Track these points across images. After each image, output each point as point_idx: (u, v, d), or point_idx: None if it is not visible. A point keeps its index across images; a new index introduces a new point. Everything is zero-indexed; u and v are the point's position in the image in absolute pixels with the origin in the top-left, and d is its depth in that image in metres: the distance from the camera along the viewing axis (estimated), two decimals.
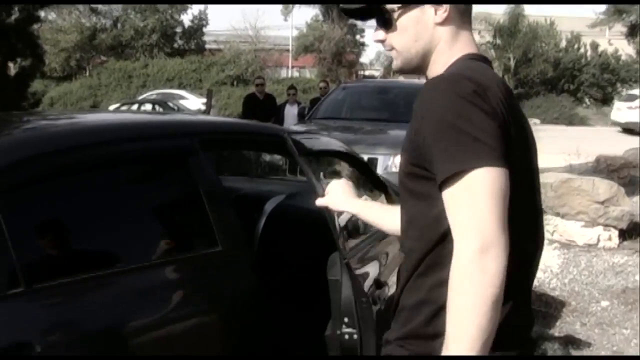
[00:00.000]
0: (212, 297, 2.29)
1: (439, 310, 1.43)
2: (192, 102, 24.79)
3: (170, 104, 21.98)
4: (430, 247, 1.48)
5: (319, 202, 2.03)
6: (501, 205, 1.34)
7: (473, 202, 1.34)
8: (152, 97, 26.20)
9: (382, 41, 1.61)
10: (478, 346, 1.31)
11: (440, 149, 1.38)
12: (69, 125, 2.57)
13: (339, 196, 1.97)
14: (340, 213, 2.10)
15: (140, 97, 26.90)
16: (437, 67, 1.56)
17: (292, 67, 39.85)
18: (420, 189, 1.48)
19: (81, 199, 2.17)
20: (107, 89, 33.03)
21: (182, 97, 26.30)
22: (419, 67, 1.60)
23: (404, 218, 1.59)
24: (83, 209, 2.15)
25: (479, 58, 1.57)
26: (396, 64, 1.63)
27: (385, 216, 1.90)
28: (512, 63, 31.41)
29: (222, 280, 2.33)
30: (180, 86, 31.49)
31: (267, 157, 4.29)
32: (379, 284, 2.67)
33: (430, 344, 1.47)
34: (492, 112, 1.38)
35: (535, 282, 5.51)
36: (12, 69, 10.77)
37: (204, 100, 20.73)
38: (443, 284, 1.39)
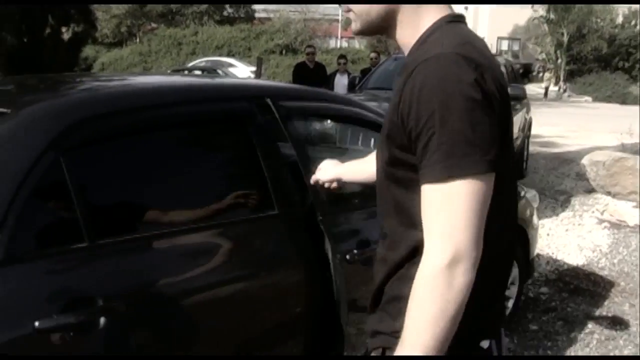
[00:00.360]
0: (268, 260, 2.33)
1: None
2: (241, 70, 24.85)
3: (220, 72, 22.06)
4: None
5: (312, 179, 2.10)
6: (480, 217, 1.27)
7: (452, 212, 1.27)
8: (201, 64, 26.36)
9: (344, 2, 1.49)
10: (432, 353, 1.27)
11: (431, 145, 1.27)
12: (130, 87, 2.62)
13: (328, 169, 2.04)
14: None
15: (190, 65, 27.09)
16: (407, 31, 1.42)
17: (341, 37, 39.61)
18: (410, 176, 1.36)
19: (141, 160, 2.22)
20: (156, 56, 33.34)
21: (231, 65, 26.39)
22: (381, 28, 1.46)
23: (388, 204, 1.46)
24: (143, 170, 2.20)
25: (458, 19, 1.43)
26: (355, 26, 1.48)
27: (360, 167, 1.94)
28: (565, 38, 30.77)
29: (278, 243, 2.37)
30: (229, 54, 31.60)
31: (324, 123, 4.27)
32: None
33: None
34: (489, 104, 1.28)
35: (584, 261, 5.48)
36: (66, 34, 10.93)
37: (253, 68, 20.79)
38: None
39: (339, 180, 2.03)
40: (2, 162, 1.86)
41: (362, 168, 1.93)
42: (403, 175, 1.38)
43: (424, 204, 1.30)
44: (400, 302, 1.39)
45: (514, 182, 1.53)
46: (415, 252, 1.38)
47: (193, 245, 2.14)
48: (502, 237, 1.43)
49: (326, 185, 2.07)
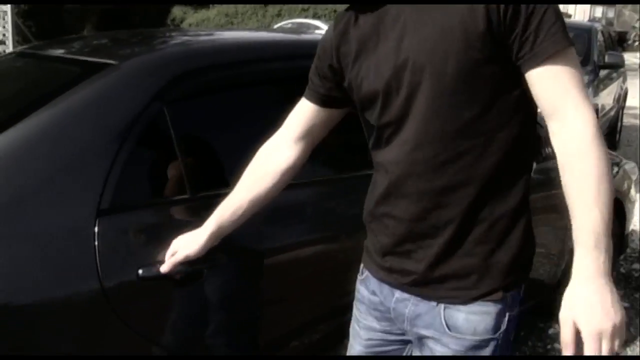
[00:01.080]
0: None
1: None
2: None
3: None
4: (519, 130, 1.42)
5: (164, 268, 1.75)
6: None
7: (581, 77, 1.34)
8: (287, 26, 26.30)
9: None
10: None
11: (548, 25, 1.30)
12: (232, 40, 2.63)
13: (186, 240, 1.76)
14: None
15: (276, 26, 27.12)
16: None
17: None
18: (499, 71, 1.36)
19: (241, 115, 2.22)
20: (242, 17, 33.47)
21: (317, 28, 26.08)
22: None
23: (470, 112, 1.39)
24: (242, 124, 2.21)
25: None
26: None
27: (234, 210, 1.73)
28: None
29: None
30: (315, 16, 31.44)
31: None
32: None
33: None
34: None
35: None
36: None
37: None
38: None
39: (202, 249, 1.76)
40: (110, 112, 1.89)
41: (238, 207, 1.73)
42: (491, 70, 1.36)
43: (554, 77, 1.32)
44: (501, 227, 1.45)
45: None
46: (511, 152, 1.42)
47: (291, 201, 2.14)
48: None
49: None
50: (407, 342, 1.67)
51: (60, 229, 1.71)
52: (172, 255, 1.76)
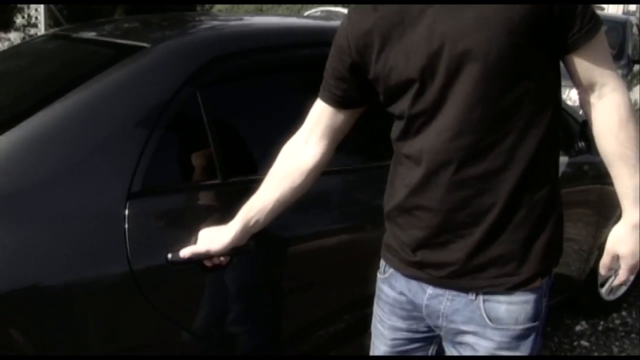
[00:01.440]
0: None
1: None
2: None
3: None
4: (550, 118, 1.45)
5: (183, 253, 1.74)
6: None
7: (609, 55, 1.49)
8: (316, 14, 26.27)
9: None
10: None
11: (588, 6, 1.38)
12: (261, 26, 2.61)
13: (211, 235, 1.75)
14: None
15: (306, 14, 27.07)
16: None
17: None
18: (539, 55, 1.40)
19: (272, 100, 2.21)
20: (272, 4, 33.53)
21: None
22: None
23: (505, 102, 1.39)
24: (273, 110, 2.20)
25: None
26: None
27: (266, 204, 1.70)
28: None
29: None
30: (345, 4, 31.35)
31: None
32: None
33: None
34: None
35: None
36: None
37: None
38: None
39: (235, 249, 1.76)
40: (143, 94, 1.89)
41: (269, 202, 1.70)
42: (529, 61, 1.39)
43: (593, 56, 1.42)
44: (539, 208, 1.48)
45: None
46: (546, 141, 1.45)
47: (323, 188, 2.12)
48: None
49: (217, 261, 1.79)
50: (432, 340, 1.66)
51: (91, 211, 1.71)
52: (195, 244, 1.75)
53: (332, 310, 2.24)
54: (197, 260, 1.77)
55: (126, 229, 1.72)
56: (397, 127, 1.53)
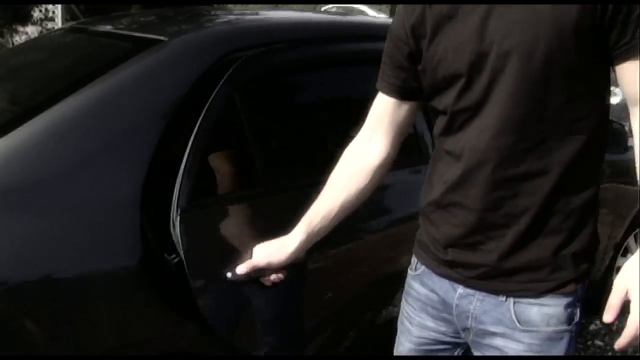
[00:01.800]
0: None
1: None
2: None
3: None
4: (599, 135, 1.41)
5: (241, 269, 1.66)
6: None
7: None
8: (332, 10, 26.25)
9: None
10: None
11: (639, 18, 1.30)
12: (276, 21, 2.62)
13: (270, 248, 1.67)
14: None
15: (322, 9, 27.05)
16: None
17: None
18: (587, 60, 1.33)
19: (309, 97, 2.23)
20: (287, 4, 33.54)
21: (361, 12, 26.11)
22: None
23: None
24: (312, 108, 2.20)
25: None
26: None
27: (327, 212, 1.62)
28: None
29: None
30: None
31: None
32: None
33: None
34: None
35: None
36: None
37: (383, 15, 20.51)
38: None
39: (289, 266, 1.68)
40: (159, 87, 1.89)
41: (330, 209, 1.62)
42: (582, 78, 1.35)
43: None
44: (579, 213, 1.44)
45: None
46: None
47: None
48: None
49: (272, 277, 1.70)
50: (457, 346, 1.63)
51: (106, 204, 1.72)
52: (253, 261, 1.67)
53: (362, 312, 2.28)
54: (255, 279, 1.70)
55: (141, 222, 1.72)
56: (440, 123, 1.51)
